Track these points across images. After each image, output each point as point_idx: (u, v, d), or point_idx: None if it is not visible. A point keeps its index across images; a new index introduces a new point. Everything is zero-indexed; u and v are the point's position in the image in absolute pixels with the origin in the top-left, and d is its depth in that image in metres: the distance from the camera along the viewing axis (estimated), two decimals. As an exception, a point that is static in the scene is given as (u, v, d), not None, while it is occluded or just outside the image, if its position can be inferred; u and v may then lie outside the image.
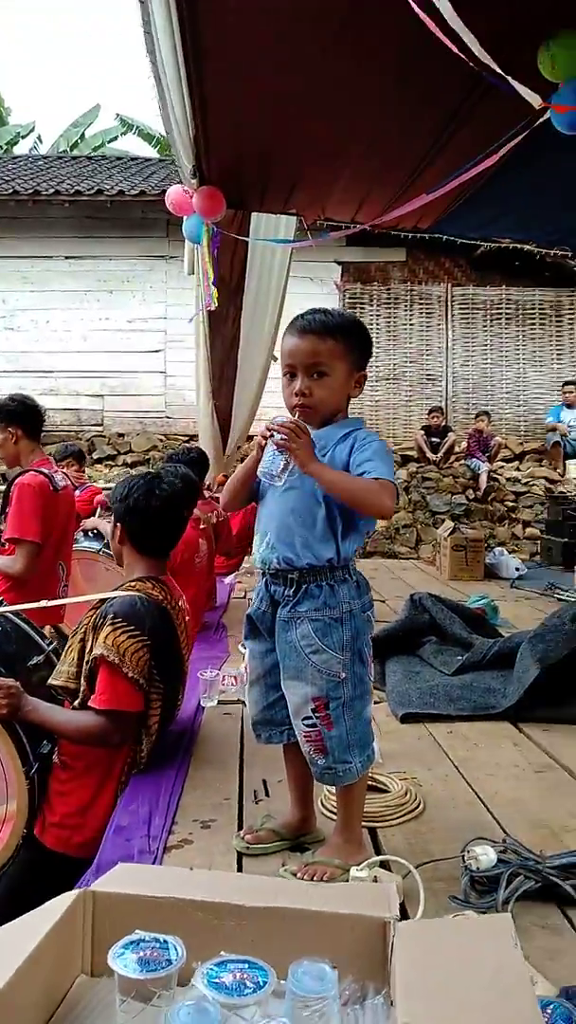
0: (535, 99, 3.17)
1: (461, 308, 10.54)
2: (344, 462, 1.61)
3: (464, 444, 9.50)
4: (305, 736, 1.61)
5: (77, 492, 4.31)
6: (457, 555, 6.28)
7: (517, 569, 6.40)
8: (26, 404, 3.43)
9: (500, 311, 10.50)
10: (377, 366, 10.59)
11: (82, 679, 2.12)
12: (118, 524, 2.31)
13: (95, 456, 9.87)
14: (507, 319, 10.50)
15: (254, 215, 6.48)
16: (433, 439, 9.49)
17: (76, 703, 2.12)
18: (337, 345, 1.65)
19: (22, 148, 19.69)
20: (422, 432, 9.62)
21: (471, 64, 2.85)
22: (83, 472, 6.12)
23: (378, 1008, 0.96)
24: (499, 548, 6.99)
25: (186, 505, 2.55)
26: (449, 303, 10.55)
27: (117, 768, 2.15)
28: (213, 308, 6.23)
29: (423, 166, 5.03)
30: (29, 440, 3.43)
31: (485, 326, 10.50)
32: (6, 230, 10.23)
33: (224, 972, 0.89)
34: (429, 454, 9.35)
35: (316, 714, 1.58)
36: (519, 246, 9.48)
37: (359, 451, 1.60)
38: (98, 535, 4.65)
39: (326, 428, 1.66)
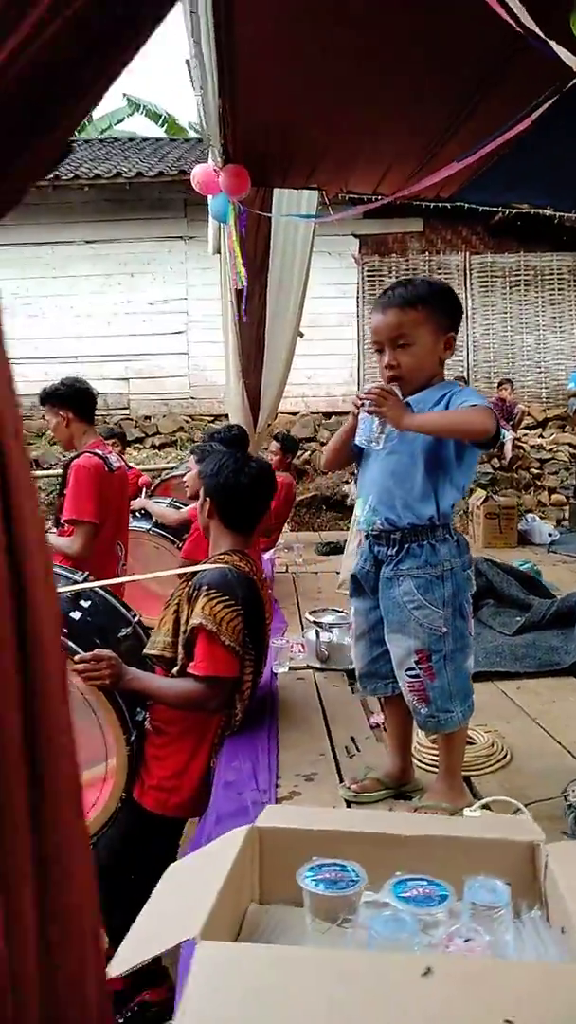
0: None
1: (480, 276, 10.51)
2: None
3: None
4: (408, 686, 1.71)
5: None
6: (491, 523, 6.35)
7: (550, 535, 6.46)
8: (75, 387, 3.47)
9: (519, 278, 10.46)
10: (398, 338, 10.60)
11: (179, 648, 2.22)
12: (208, 498, 2.38)
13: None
14: (526, 286, 10.47)
15: (276, 191, 6.49)
16: (457, 409, 9.51)
17: (175, 671, 2.22)
18: (417, 314, 1.72)
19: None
20: (446, 403, 9.65)
21: (516, 28, 2.88)
22: (124, 454, 6.22)
23: (536, 920, 1.06)
24: (530, 515, 7.05)
25: (271, 486, 2.63)
26: (468, 272, 10.52)
27: (210, 732, 2.26)
28: (240, 288, 6.26)
29: (448, 136, 5.03)
30: (81, 422, 3.46)
31: (504, 294, 10.47)
32: (25, 216, 10.25)
33: (407, 888, 0.99)
34: (455, 424, 9.38)
35: (419, 666, 1.68)
36: (538, 211, 9.44)
37: (454, 400, 1.69)
38: (146, 515, 4.74)
39: (423, 392, 1.73)
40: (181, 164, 10.51)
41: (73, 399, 3.44)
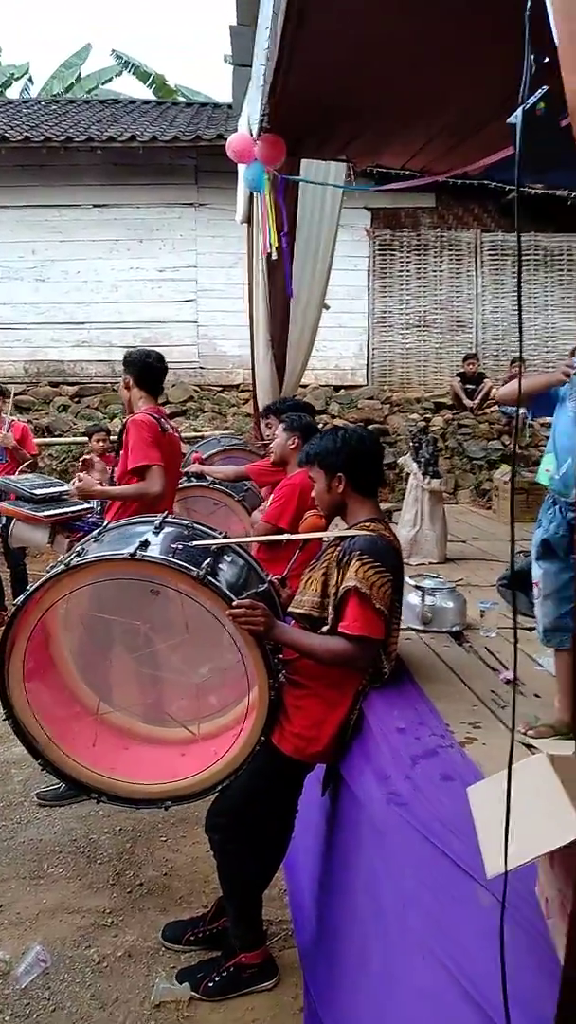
0: None
1: (491, 254, 10.60)
2: None
3: (496, 391, 9.67)
4: None
5: None
6: (519, 498, 6.50)
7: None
8: (138, 357, 3.79)
9: (528, 257, 10.57)
10: (407, 313, 10.67)
11: (330, 608, 2.31)
12: (339, 476, 2.43)
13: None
14: (535, 266, 10.58)
15: (304, 162, 6.48)
16: (468, 386, 9.65)
17: (324, 630, 2.31)
18: None
19: (14, 91, 19.11)
20: (458, 379, 9.77)
21: None
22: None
23: None
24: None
25: (381, 446, 2.71)
26: (479, 249, 10.60)
27: (350, 688, 2.35)
28: (271, 253, 6.26)
29: (488, 120, 5.07)
30: (139, 389, 3.74)
31: (514, 273, 10.58)
32: (34, 178, 10.08)
33: None
34: (466, 401, 9.52)
35: None
36: (551, 192, 9.54)
37: None
38: (201, 477, 4.88)
39: None
40: (194, 129, 10.38)
41: (134, 366, 3.76)
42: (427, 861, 1.51)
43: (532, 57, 1.13)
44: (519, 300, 1.25)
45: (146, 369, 3.75)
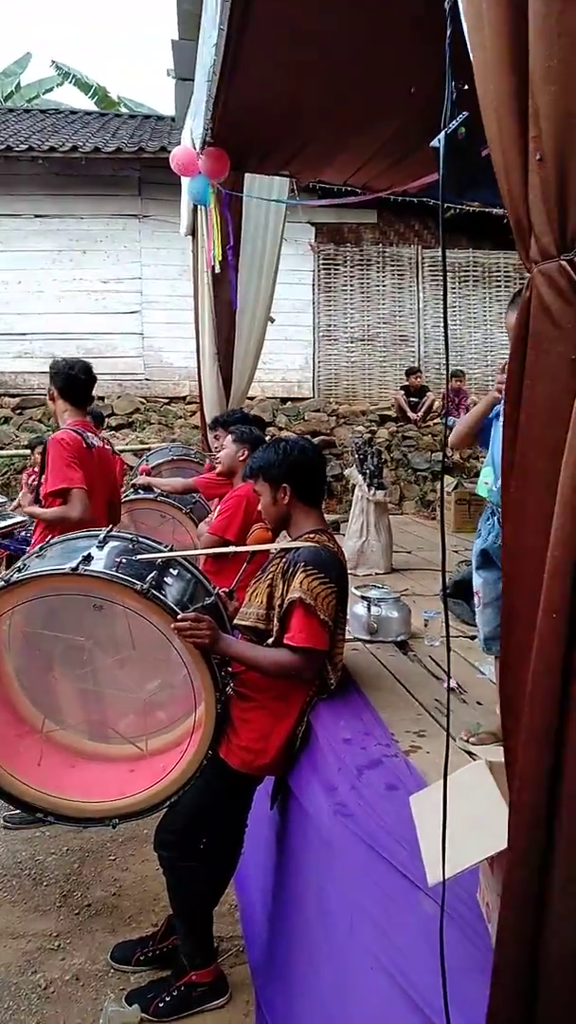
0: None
1: (431, 270, 10.83)
2: None
3: (440, 403, 9.87)
4: None
5: None
6: (461, 509, 6.64)
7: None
8: (65, 369, 3.59)
9: (468, 274, 10.83)
10: (351, 327, 10.82)
11: (275, 620, 2.32)
12: (283, 487, 2.44)
13: (76, 419, 9.82)
14: (474, 282, 10.85)
15: (247, 177, 6.53)
16: (412, 399, 9.82)
17: (269, 642, 2.33)
18: None
19: (-48, 98, 18.76)
20: (402, 392, 9.93)
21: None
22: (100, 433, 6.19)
23: None
24: (496, 501, 7.37)
25: (324, 456, 2.73)
26: (420, 265, 10.82)
27: (297, 700, 2.37)
28: (215, 268, 6.28)
29: (427, 139, 5.19)
30: (64, 401, 3.58)
31: (454, 288, 10.83)
32: (-29, 187, 9.93)
33: None
34: (410, 413, 9.68)
35: None
36: (488, 210, 9.80)
37: None
38: (148, 489, 4.86)
39: None
40: (137, 141, 10.36)
41: (61, 378, 3.57)
42: (373, 872, 1.53)
43: (452, 84, 1.18)
44: (444, 318, 1.30)
45: (70, 380, 3.58)
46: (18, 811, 3.39)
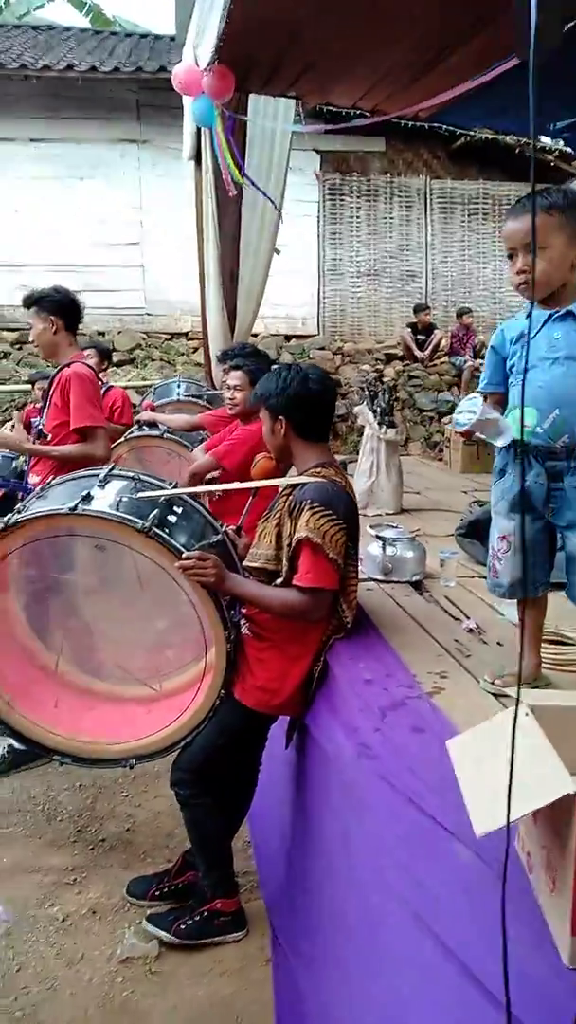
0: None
1: (440, 202, 10.47)
2: None
3: (447, 342, 9.66)
4: None
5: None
6: (468, 449, 6.54)
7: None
8: (70, 297, 3.46)
9: (477, 206, 10.48)
10: (358, 261, 10.52)
11: (284, 560, 2.26)
12: (279, 419, 2.35)
13: (76, 356, 9.62)
14: (484, 215, 10.51)
15: (251, 99, 6.23)
16: (419, 337, 9.60)
17: (278, 582, 2.27)
18: (551, 219, 1.75)
19: None
20: (408, 330, 9.71)
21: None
22: (106, 371, 6.05)
23: None
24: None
25: (334, 387, 2.61)
26: (428, 196, 10.46)
27: (313, 639, 2.33)
28: (234, 193, 6.03)
29: (443, 56, 4.91)
30: (68, 333, 3.45)
31: (463, 221, 10.50)
32: (-39, 108, 9.50)
33: None
34: (417, 352, 9.48)
35: None
36: (499, 138, 9.42)
37: None
38: (153, 426, 4.76)
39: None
40: (135, 60, 9.87)
41: (67, 309, 3.42)
42: (401, 815, 1.50)
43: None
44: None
45: (75, 311, 3.43)
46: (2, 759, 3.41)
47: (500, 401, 1.97)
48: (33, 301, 3.38)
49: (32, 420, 6.74)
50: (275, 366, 2.59)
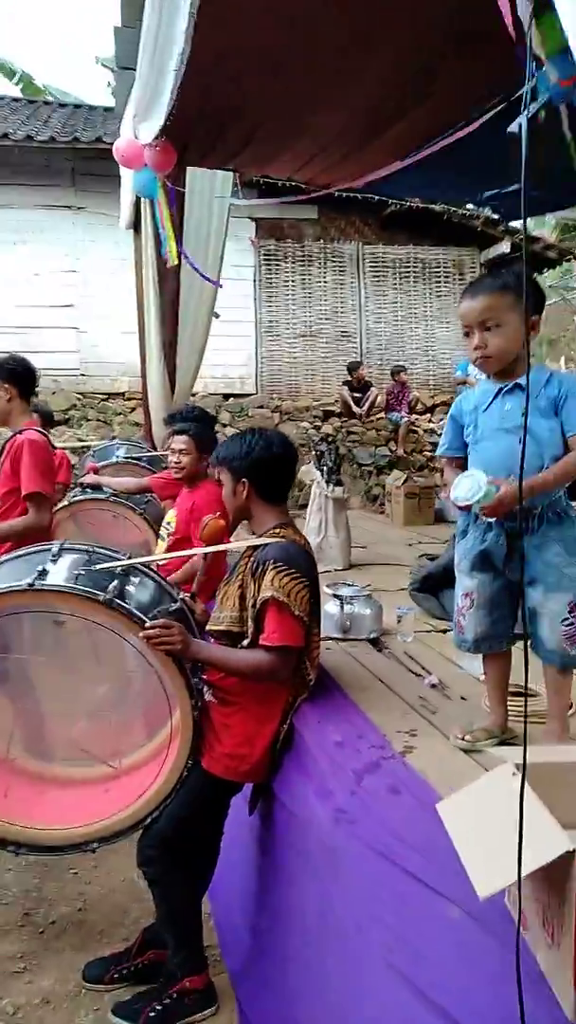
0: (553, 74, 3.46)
1: (372, 266, 10.88)
2: (552, 402, 1.86)
3: (383, 398, 9.93)
4: (564, 635, 1.87)
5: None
6: (410, 502, 6.69)
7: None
8: (25, 365, 3.51)
9: (408, 270, 10.92)
10: (294, 323, 10.78)
11: (249, 621, 2.25)
12: (242, 481, 2.38)
13: (12, 416, 9.48)
14: (415, 277, 10.96)
15: (188, 171, 6.41)
16: (356, 394, 9.85)
17: (244, 644, 2.26)
18: (504, 298, 1.87)
19: None
20: (345, 388, 9.95)
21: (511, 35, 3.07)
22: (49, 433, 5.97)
23: None
24: (444, 494, 7.44)
25: (295, 450, 2.66)
26: (361, 261, 10.86)
27: (279, 701, 2.31)
28: (171, 264, 6.14)
29: (378, 132, 5.18)
30: (22, 400, 3.48)
31: (395, 284, 10.91)
32: None
33: None
34: (356, 408, 9.70)
35: (572, 615, 1.85)
36: (430, 206, 9.91)
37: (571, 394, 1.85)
38: (97, 488, 4.70)
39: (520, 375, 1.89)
40: (71, 130, 10.06)
41: (21, 377, 3.46)
42: (385, 878, 1.48)
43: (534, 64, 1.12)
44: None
45: (29, 379, 3.48)
46: None
47: (460, 465, 2.05)
48: None
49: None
50: (237, 431, 2.63)
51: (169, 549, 3.60)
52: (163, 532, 3.85)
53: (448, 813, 1.23)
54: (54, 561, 2.24)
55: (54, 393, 9.84)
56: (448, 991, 1.21)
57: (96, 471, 5.03)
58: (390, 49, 4.06)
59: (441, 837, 1.33)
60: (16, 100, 13.23)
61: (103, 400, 10.10)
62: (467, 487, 1.82)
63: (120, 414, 9.92)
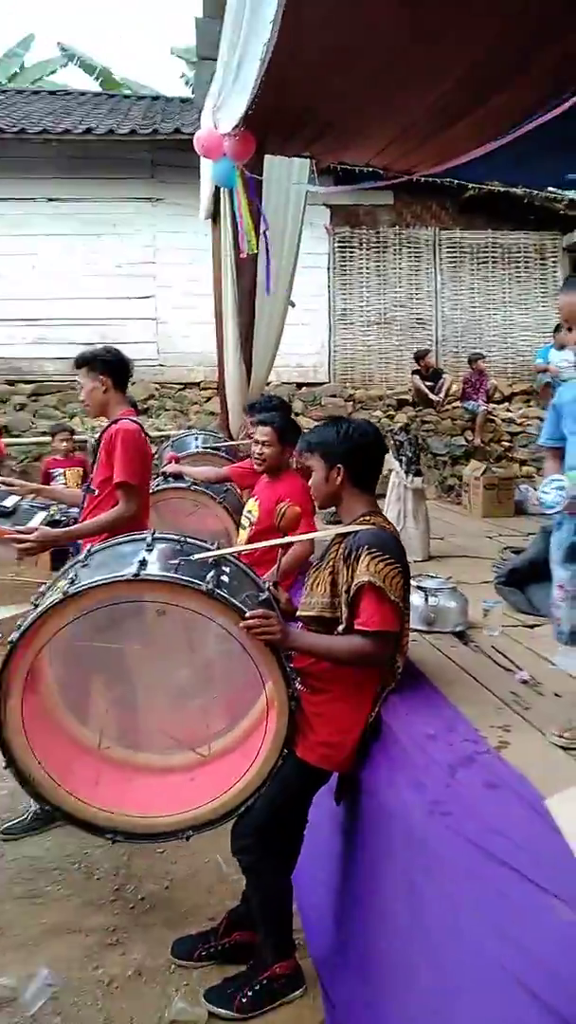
0: None
1: (449, 252, 10.69)
2: None
3: (458, 386, 9.77)
4: None
5: None
6: (489, 493, 6.57)
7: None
8: (119, 356, 3.55)
9: (487, 255, 10.69)
10: (367, 311, 10.70)
11: (343, 607, 2.26)
12: (337, 467, 2.39)
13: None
14: (494, 263, 10.72)
15: (266, 158, 6.40)
16: (427, 383, 9.72)
17: (339, 630, 2.27)
18: None
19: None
20: (416, 376, 9.83)
21: None
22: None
23: None
24: (524, 485, 7.28)
25: (384, 441, 2.67)
26: (437, 247, 10.68)
27: (370, 688, 2.32)
28: (247, 254, 6.16)
29: (459, 117, 5.06)
30: (117, 391, 3.52)
31: (472, 270, 10.70)
32: (-19, 170, 9.79)
33: None
34: (432, 396, 9.58)
35: None
36: (508, 190, 9.66)
37: None
38: (179, 478, 4.78)
39: None
40: (150, 123, 10.20)
41: (115, 368, 3.50)
42: (486, 874, 1.47)
43: None
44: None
45: (124, 370, 3.51)
46: (18, 821, 3.35)
47: (559, 455, 2.01)
48: (84, 361, 3.45)
49: (51, 471, 6.80)
50: (326, 419, 2.63)
51: (251, 539, 3.63)
52: (244, 522, 3.88)
53: (559, 810, 1.21)
54: (149, 550, 2.29)
55: (133, 383, 9.99)
56: (560, 991, 1.20)
57: (177, 460, 5.12)
58: (484, 35, 3.98)
59: (547, 834, 1.32)
60: (97, 95, 13.49)
61: (180, 390, 10.25)
62: (553, 494, 1.79)
63: (196, 403, 10.06)
